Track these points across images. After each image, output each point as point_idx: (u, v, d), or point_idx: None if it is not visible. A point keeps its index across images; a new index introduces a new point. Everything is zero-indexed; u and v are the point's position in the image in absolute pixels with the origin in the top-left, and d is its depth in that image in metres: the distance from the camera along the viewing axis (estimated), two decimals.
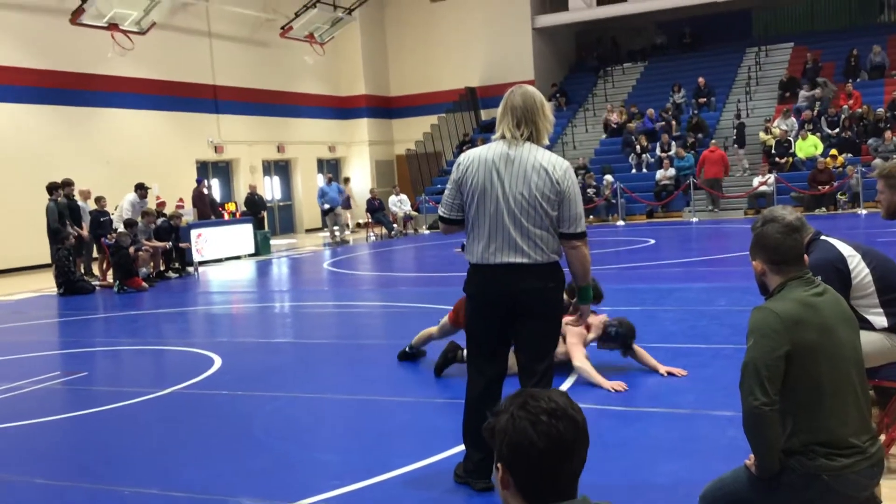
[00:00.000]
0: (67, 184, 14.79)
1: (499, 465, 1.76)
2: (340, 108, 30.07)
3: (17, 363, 8.47)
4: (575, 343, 6.14)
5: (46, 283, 15.12)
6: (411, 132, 29.78)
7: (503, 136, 3.94)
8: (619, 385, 5.82)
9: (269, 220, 24.83)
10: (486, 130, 27.84)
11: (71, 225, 14.46)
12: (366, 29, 29.68)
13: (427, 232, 23.60)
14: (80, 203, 15.16)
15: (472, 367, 4.16)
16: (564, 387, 5.88)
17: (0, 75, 19.07)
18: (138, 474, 4.74)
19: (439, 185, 26.26)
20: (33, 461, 5.18)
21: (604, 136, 26.18)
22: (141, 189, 16.55)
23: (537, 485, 1.73)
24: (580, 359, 6.07)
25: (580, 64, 31.46)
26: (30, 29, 19.61)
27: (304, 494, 4.21)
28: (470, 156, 4.00)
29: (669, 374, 6.05)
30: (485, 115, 29.42)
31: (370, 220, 23.50)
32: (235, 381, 6.89)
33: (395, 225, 23.35)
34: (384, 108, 30.98)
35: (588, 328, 6.15)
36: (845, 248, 4.01)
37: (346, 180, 26.41)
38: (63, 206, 14.46)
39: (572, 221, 3.92)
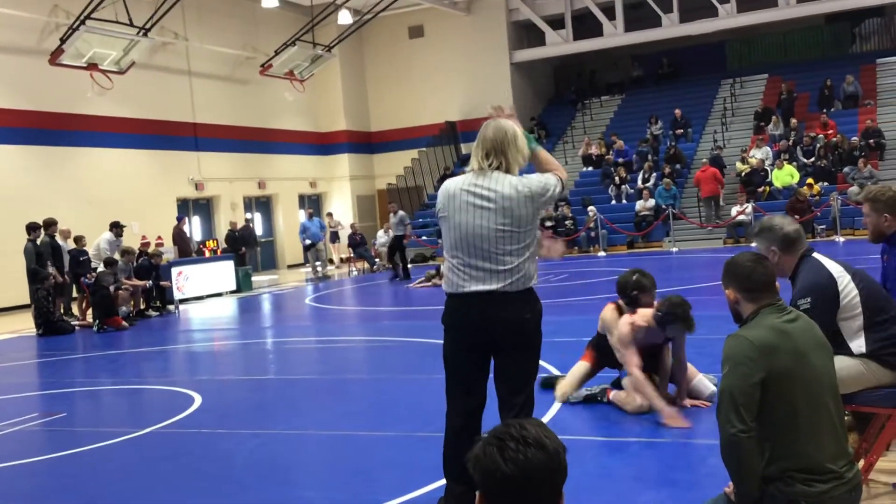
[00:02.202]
0: (50, 223, 14.70)
1: (477, 492, 1.79)
2: (321, 144, 30.17)
3: None
4: (625, 345, 5.76)
5: (25, 324, 14.98)
6: (392, 167, 29.90)
7: (474, 167, 3.98)
8: (675, 420, 5.51)
9: (251, 256, 24.74)
10: (466, 164, 27.78)
11: (51, 265, 14.35)
12: (345, 65, 29.87)
13: (410, 266, 23.57)
14: (60, 243, 15.06)
15: (450, 399, 4.13)
16: (547, 417, 5.87)
17: None
18: None
19: (420, 220, 26.35)
20: (12, 503, 5.11)
21: (583, 167, 26.39)
22: (117, 227, 16.47)
23: None
24: (635, 367, 5.73)
25: (558, 97, 31.80)
26: (8, 69, 19.61)
27: None
28: (442, 188, 4.06)
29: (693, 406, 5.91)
30: (465, 148, 29.58)
31: (352, 255, 23.50)
32: (216, 419, 6.84)
33: (377, 259, 23.35)
34: (365, 143, 31.10)
35: (635, 327, 5.79)
36: (835, 268, 3.97)
37: (329, 215, 26.36)
38: (44, 246, 14.36)
39: (549, 188, 3.94)
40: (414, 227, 25.79)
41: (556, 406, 6.18)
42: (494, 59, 29.06)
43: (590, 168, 26.11)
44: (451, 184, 4.03)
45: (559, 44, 28.82)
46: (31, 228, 14.43)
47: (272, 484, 5.07)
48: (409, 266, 20.63)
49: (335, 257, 26.21)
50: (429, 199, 27.92)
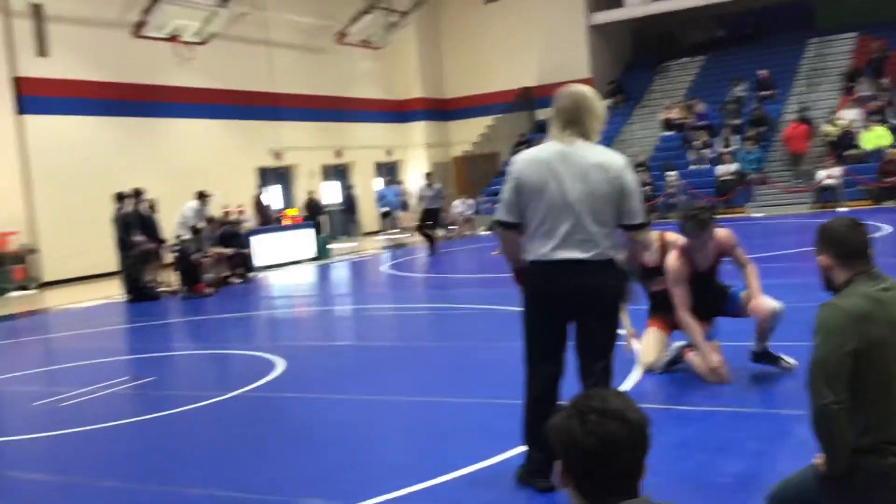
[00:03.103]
0: (138, 193, 15.16)
1: (558, 462, 1.78)
2: (397, 112, 30.25)
3: (88, 368, 8.71)
4: (675, 281, 5.66)
5: (115, 291, 15.51)
6: (467, 134, 29.80)
7: (555, 137, 3.99)
8: (719, 365, 5.53)
9: (329, 224, 25.09)
10: (541, 130, 27.65)
11: (139, 233, 14.79)
12: (420, 32, 29.79)
13: (485, 233, 23.58)
14: (147, 212, 15.50)
15: (530, 366, 4.15)
16: (626, 386, 5.82)
17: (67, 88, 19.66)
18: (206, 476, 4.84)
19: (496, 186, 26.22)
20: (104, 464, 5.33)
21: (662, 132, 25.85)
22: (202, 196, 16.86)
23: (590, 483, 1.77)
24: (683, 308, 5.66)
25: (637, 60, 31.10)
26: (94, 43, 20.16)
27: (368, 495, 4.24)
28: (525, 157, 4.06)
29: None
30: (540, 114, 29.22)
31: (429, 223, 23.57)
32: (299, 384, 6.99)
33: (454, 227, 23.42)
34: (440, 110, 31.06)
35: (677, 254, 5.73)
36: None
37: (429, 174, 26.10)
38: (132, 215, 14.80)
39: (634, 214, 3.99)
40: (488, 194, 25.73)
41: (635, 375, 6.12)
42: (571, 22, 28.58)
43: (670, 132, 25.55)
44: (534, 153, 4.03)
45: (638, 4, 28.15)
46: (120, 198, 14.89)
47: (353, 447, 5.16)
48: (485, 233, 20.54)
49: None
50: (504, 167, 27.76)
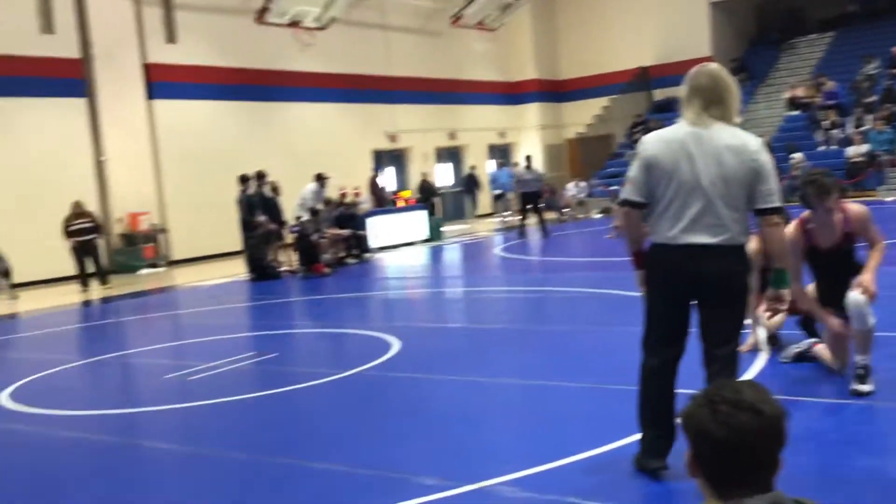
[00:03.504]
0: (260, 175, 15.66)
1: (688, 451, 1.76)
2: (510, 94, 30.15)
3: (215, 344, 9.10)
4: (790, 252, 4.97)
5: (238, 269, 16.10)
6: (582, 115, 29.43)
7: (690, 118, 3.87)
8: (840, 328, 5.21)
9: (441, 206, 25.31)
10: (660, 111, 27.07)
11: (261, 214, 15.29)
12: (536, 13, 29.54)
13: (598, 216, 23.29)
14: (269, 193, 15.99)
15: (647, 347, 4.10)
16: (751, 374, 5.65)
17: (193, 74, 20.46)
18: (327, 451, 4.99)
19: (611, 169, 25.85)
20: (231, 436, 5.56)
21: (787, 112, 24.84)
22: (320, 178, 17.26)
23: (720, 474, 1.73)
24: (797, 281, 5.26)
25: (761, 37, 29.94)
26: (218, 29, 20.89)
27: (483, 476, 4.28)
28: (657, 136, 3.96)
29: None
30: (658, 94, 28.59)
31: (543, 206, 23.48)
32: (414, 365, 7.10)
33: (567, 209, 23.23)
34: (554, 91, 30.77)
35: (799, 222, 5.36)
36: None
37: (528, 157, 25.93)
38: (255, 197, 15.31)
39: (769, 195, 3.83)
40: (603, 176, 25.38)
41: (760, 362, 5.94)
42: None
43: (796, 112, 24.53)
44: (666, 132, 3.94)
45: None
46: (244, 180, 15.42)
47: (467, 429, 5.21)
48: (599, 216, 20.28)
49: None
50: (619, 149, 27.31)
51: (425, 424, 5.39)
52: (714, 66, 3.94)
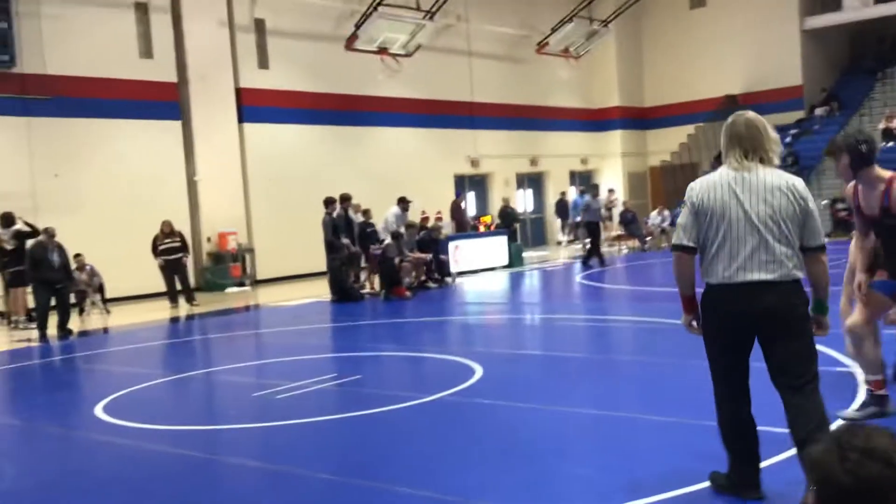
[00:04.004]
0: (345, 198, 15.92)
1: (811, 494, 1.71)
2: (593, 121, 30.00)
3: (299, 364, 9.25)
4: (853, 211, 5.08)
5: (321, 290, 16.35)
6: (666, 143, 29.08)
7: (733, 164, 4.01)
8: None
9: (522, 232, 25.28)
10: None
11: (344, 237, 15.52)
12: (621, 40, 29.40)
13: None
14: (352, 216, 16.23)
15: (719, 386, 4.20)
16: (857, 403, 5.45)
17: (284, 99, 20.99)
18: (411, 476, 5.00)
19: None
20: (316, 456, 5.63)
21: (883, 143, 24.04)
22: (403, 202, 17.44)
23: None
24: (857, 240, 5.17)
25: (855, 66, 29.13)
26: (308, 55, 21.40)
27: None
28: (704, 181, 4.08)
29: None
30: None
31: (623, 233, 23.26)
32: (497, 391, 7.07)
33: (649, 238, 22.94)
34: (638, 119, 30.50)
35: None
36: None
37: (611, 191, 25.81)
38: (339, 219, 15.56)
39: (816, 234, 4.00)
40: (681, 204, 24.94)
41: (862, 391, 5.67)
42: (783, 27, 27.19)
43: (890, 143, 23.73)
44: (713, 177, 4.05)
45: (858, 7, 26.39)
46: (328, 202, 15.69)
47: (553, 459, 5.16)
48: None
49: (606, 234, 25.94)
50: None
51: (510, 452, 5.36)
52: (751, 113, 4.08)
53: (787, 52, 27.07)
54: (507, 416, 6.33)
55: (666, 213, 23.74)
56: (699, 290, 4.14)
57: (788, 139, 25.81)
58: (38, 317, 13.16)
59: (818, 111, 27.20)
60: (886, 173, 5.04)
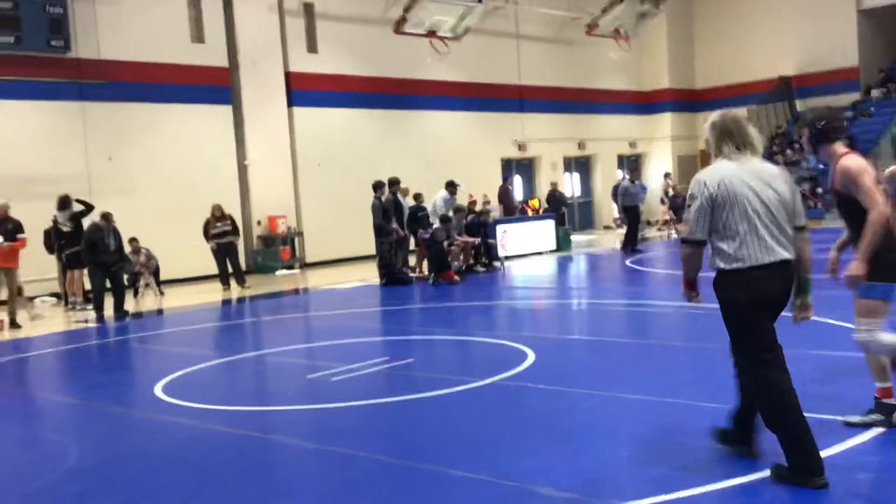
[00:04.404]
0: (393, 182, 15.95)
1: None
2: (643, 104, 29.66)
3: (351, 346, 9.33)
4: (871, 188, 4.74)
5: (369, 273, 16.45)
6: None
7: (730, 156, 4.31)
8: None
9: (569, 216, 25.12)
10: (798, 122, 26.03)
11: (394, 221, 15.57)
12: (673, 21, 28.97)
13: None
14: (401, 200, 16.27)
15: (761, 367, 4.26)
16: None
17: (335, 83, 21.08)
18: (467, 459, 5.02)
19: None
20: (374, 439, 5.67)
21: None
22: (451, 186, 17.44)
23: None
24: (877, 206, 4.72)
25: None
26: (357, 39, 21.45)
27: (631, 496, 4.21)
28: (712, 174, 4.28)
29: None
30: (800, 105, 27.54)
31: (672, 218, 22.98)
32: (550, 376, 7.05)
33: None
34: (689, 101, 30.07)
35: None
36: None
37: (666, 175, 25.41)
38: (388, 203, 15.61)
39: (803, 214, 4.42)
40: None
41: None
42: (839, 6, 26.57)
43: None
44: (720, 170, 4.27)
45: None
46: (377, 186, 15.73)
47: (610, 445, 5.14)
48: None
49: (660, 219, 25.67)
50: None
51: (567, 438, 5.35)
52: (731, 111, 4.44)
53: (843, 33, 26.45)
54: (561, 401, 6.31)
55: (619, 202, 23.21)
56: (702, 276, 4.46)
57: (844, 121, 25.25)
58: (94, 298, 13.45)
59: (874, 93, 26.55)
60: (840, 150, 4.95)
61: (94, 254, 13.29)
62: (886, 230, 4.72)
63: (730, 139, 4.32)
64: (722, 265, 4.27)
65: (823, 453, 4.26)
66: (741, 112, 4.43)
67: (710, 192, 4.22)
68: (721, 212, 4.21)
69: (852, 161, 4.84)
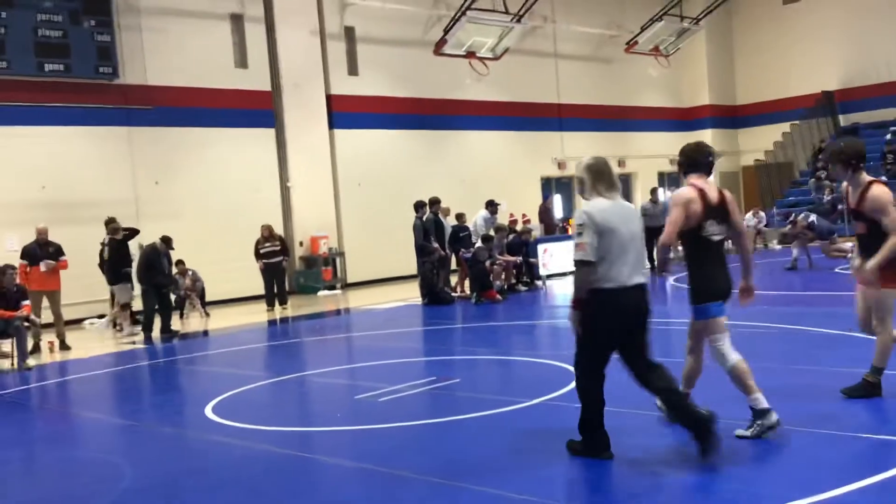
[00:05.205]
0: (434, 202, 16.04)
1: None
2: (683, 121, 29.48)
3: (397, 367, 9.38)
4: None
5: (410, 293, 16.51)
6: (759, 142, 28.36)
7: (605, 195, 5.16)
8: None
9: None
10: (846, 136, 25.71)
11: (434, 240, 15.63)
12: (712, 38, 28.83)
13: (778, 247, 22.32)
14: (442, 219, 16.34)
15: (591, 372, 5.33)
16: None
17: (375, 105, 21.30)
18: (518, 480, 5.01)
19: (791, 198, 24.77)
20: (425, 459, 5.67)
21: None
22: (492, 206, 17.48)
23: None
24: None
25: None
26: (398, 61, 21.66)
27: None
28: (597, 208, 5.09)
29: None
30: (843, 120, 27.20)
31: None
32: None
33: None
34: (729, 117, 29.86)
35: None
36: None
37: (653, 190, 25.18)
38: (429, 223, 15.69)
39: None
40: (783, 205, 24.34)
41: None
42: (883, 19, 26.23)
43: None
44: (603, 205, 5.12)
45: None
46: (418, 206, 15.83)
47: (651, 464, 5.11)
48: (779, 247, 19.32)
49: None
50: (801, 177, 26.13)
51: (613, 459, 5.33)
52: (600, 157, 5.35)
53: (887, 46, 26.11)
54: (608, 420, 6.26)
55: (762, 213, 23.12)
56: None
57: (889, 136, 24.88)
58: (146, 318, 13.68)
59: None
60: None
61: (151, 274, 13.60)
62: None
63: (602, 180, 5.18)
64: (596, 285, 5.05)
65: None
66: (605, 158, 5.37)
67: (598, 222, 5.03)
68: (605, 240, 5.02)
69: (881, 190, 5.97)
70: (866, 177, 6.07)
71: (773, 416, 5.41)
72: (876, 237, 5.93)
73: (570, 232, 21.14)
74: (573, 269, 5.14)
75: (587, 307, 5.09)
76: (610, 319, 5.10)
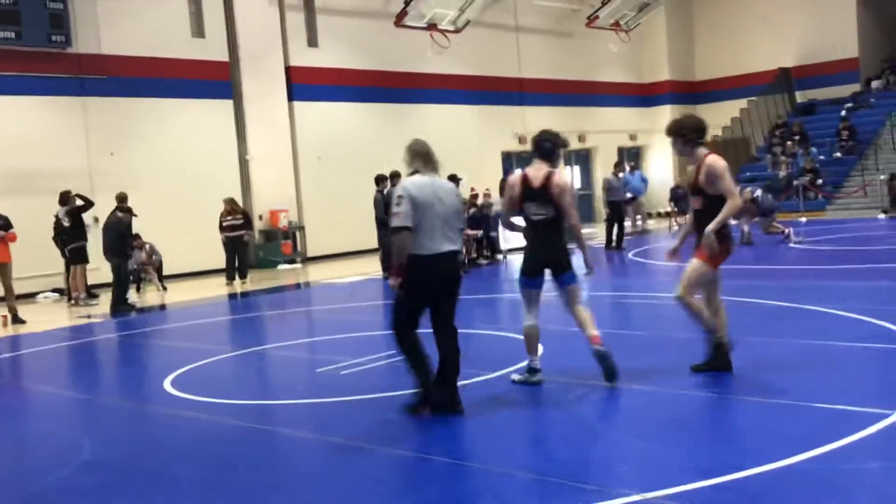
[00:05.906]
0: (396, 175, 15.92)
1: None
2: (643, 96, 29.65)
3: (358, 340, 9.38)
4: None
5: (372, 267, 16.46)
6: (718, 118, 28.53)
7: (423, 171, 5.83)
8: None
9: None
10: (802, 114, 26.13)
11: None
12: (672, 13, 28.95)
13: (733, 222, 22.60)
14: None
15: (403, 326, 5.82)
16: None
17: (333, 77, 21.06)
18: (484, 451, 5.05)
19: (748, 173, 25.06)
20: (389, 431, 5.67)
21: None
22: (453, 179, 17.39)
23: None
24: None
25: None
26: (358, 32, 21.43)
27: (645, 488, 4.24)
28: (414, 184, 5.75)
29: None
30: (800, 97, 27.56)
31: (674, 210, 23.01)
32: (558, 369, 7.07)
33: None
34: (689, 93, 30.08)
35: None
36: None
37: (617, 164, 25.10)
38: (390, 197, 15.56)
39: (461, 218, 5.99)
40: (741, 180, 24.60)
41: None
42: None
43: None
44: (420, 181, 5.78)
45: None
46: (379, 180, 15.74)
47: (619, 436, 5.17)
48: (734, 222, 19.54)
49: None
50: (758, 152, 26.45)
51: (585, 432, 5.38)
52: (421, 139, 6.06)
53: (841, 23, 26.47)
54: (576, 393, 6.33)
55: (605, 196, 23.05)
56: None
57: (843, 112, 25.27)
58: (121, 287, 13.58)
59: (874, 84, 26.57)
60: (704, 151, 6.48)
61: (125, 243, 13.71)
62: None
63: (422, 159, 5.87)
64: (413, 251, 5.64)
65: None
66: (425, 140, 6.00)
67: (413, 194, 5.65)
68: (419, 210, 5.62)
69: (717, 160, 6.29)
70: (703, 150, 6.44)
71: (539, 376, 6.55)
72: (710, 213, 6.23)
73: None
74: (392, 235, 5.69)
75: (406, 273, 5.68)
76: (424, 280, 5.72)
